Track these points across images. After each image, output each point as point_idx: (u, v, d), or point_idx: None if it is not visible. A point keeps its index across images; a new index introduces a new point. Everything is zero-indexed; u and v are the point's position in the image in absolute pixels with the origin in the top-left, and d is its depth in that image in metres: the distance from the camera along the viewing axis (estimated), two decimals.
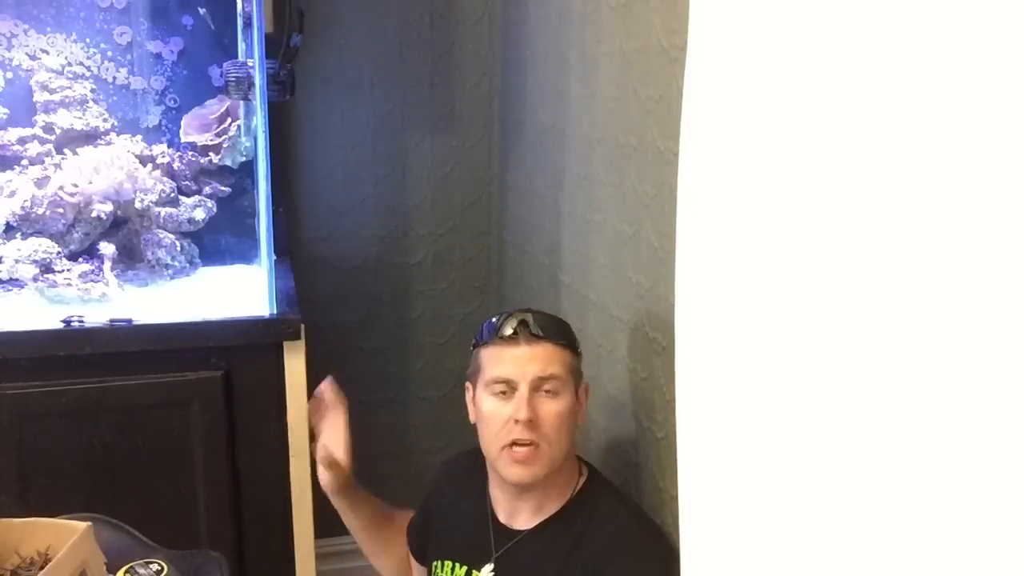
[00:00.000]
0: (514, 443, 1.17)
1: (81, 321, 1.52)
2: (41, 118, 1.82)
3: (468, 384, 1.28)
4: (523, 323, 1.20)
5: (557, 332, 1.22)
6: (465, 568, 1.26)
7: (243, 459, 1.61)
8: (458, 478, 1.37)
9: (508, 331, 1.20)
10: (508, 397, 1.18)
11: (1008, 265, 0.40)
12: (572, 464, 1.25)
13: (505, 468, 1.18)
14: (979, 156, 0.41)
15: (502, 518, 1.26)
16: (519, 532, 1.24)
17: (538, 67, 1.86)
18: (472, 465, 1.35)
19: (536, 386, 1.17)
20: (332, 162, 2.17)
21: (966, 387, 0.42)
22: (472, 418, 1.27)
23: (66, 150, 1.82)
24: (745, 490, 0.61)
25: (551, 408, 1.17)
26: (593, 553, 1.16)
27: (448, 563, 1.28)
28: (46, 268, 1.69)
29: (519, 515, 1.24)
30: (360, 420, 2.33)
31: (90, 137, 1.86)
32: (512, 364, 1.18)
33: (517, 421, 1.16)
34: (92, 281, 1.69)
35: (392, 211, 2.24)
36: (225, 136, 1.90)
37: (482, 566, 1.24)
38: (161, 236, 1.83)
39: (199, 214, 1.89)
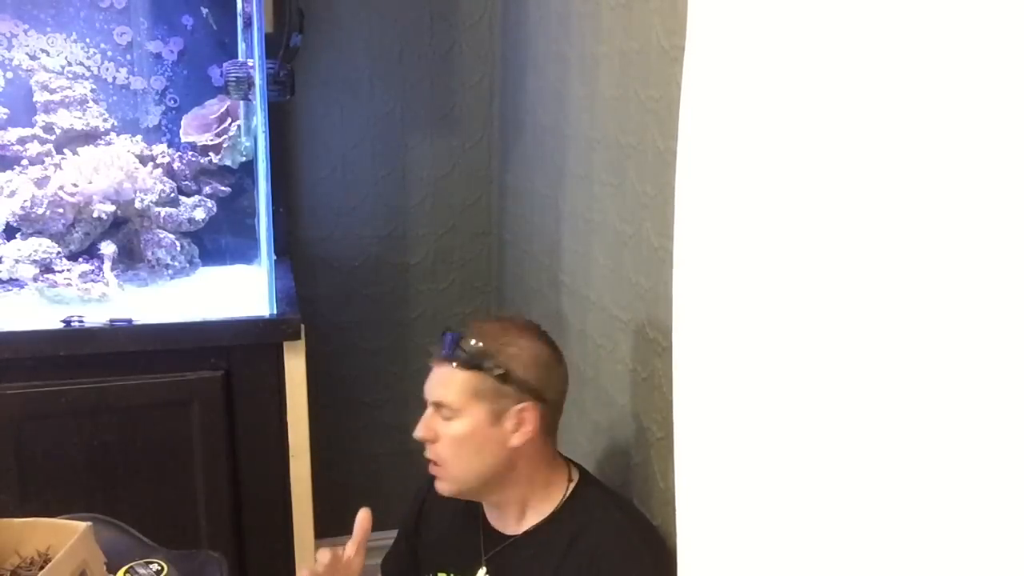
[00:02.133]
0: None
1: (81, 321, 1.52)
2: (41, 118, 1.82)
3: None
4: (441, 342, 1.21)
5: (463, 354, 1.18)
6: None
7: (243, 459, 1.61)
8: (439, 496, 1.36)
9: (435, 349, 1.23)
10: None
11: (1008, 265, 0.40)
12: (553, 472, 1.23)
13: None
14: (979, 156, 0.41)
15: (495, 524, 1.26)
16: (510, 537, 1.24)
17: (538, 67, 1.86)
18: None
19: (436, 408, 1.20)
20: (332, 162, 2.17)
21: (964, 387, 0.42)
22: None
23: (66, 150, 1.82)
24: (742, 490, 0.61)
25: (444, 431, 1.19)
26: (588, 553, 1.16)
27: (442, 574, 1.28)
28: (46, 268, 1.69)
29: (506, 521, 1.25)
30: (360, 420, 2.35)
31: (90, 137, 1.86)
32: (428, 382, 1.22)
33: (415, 437, 1.21)
34: (92, 281, 1.69)
35: (392, 211, 2.24)
36: (225, 136, 1.90)
37: (475, 572, 1.24)
38: (161, 236, 1.83)
39: (199, 214, 1.89)
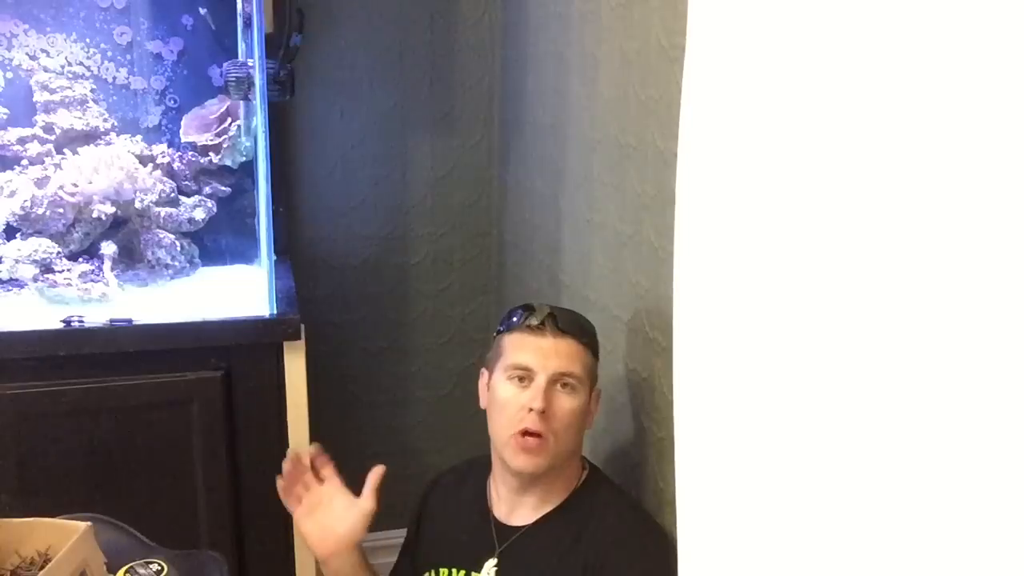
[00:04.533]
0: (524, 432, 1.17)
1: (81, 321, 1.52)
2: (41, 118, 1.82)
3: (484, 370, 1.28)
4: (551, 316, 1.21)
5: (583, 331, 1.23)
6: (463, 572, 1.26)
7: (243, 459, 1.61)
8: (448, 491, 1.37)
9: (536, 321, 1.20)
10: (525, 385, 1.18)
11: (1008, 265, 0.40)
12: (577, 463, 1.26)
13: (512, 456, 1.18)
14: (979, 156, 0.41)
15: (501, 516, 1.26)
16: (519, 528, 1.24)
17: (538, 67, 1.86)
18: (462, 475, 1.36)
19: (554, 380, 1.17)
20: (332, 162, 2.17)
21: (965, 387, 0.42)
22: (483, 403, 1.27)
23: (66, 150, 1.82)
24: (742, 490, 0.62)
25: (565, 404, 1.17)
26: (593, 547, 1.17)
27: (444, 570, 1.28)
28: (46, 268, 1.69)
29: (519, 511, 1.24)
30: (360, 420, 2.35)
31: (90, 137, 1.86)
32: (535, 353, 1.18)
33: (531, 410, 1.16)
34: (92, 281, 1.69)
35: (392, 211, 2.24)
36: (225, 136, 1.90)
37: (481, 565, 1.24)
38: (161, 236, 1.83)
39: (199, 214, 1.89)
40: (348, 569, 1.30)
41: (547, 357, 1.18)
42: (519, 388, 1.18)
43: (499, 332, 1.27)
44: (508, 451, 1.19)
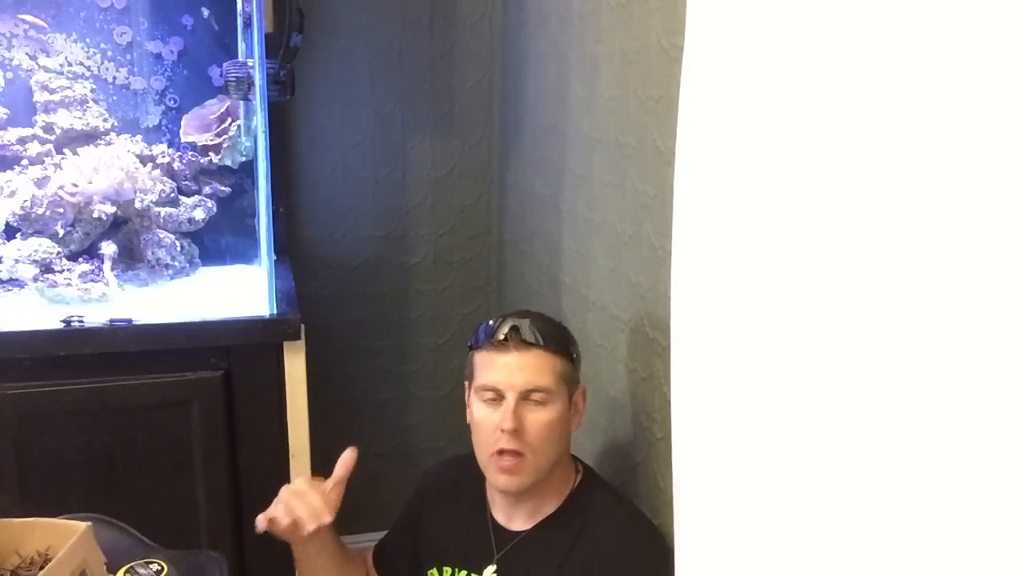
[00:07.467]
0: (501, 451, 1.16)
1: (81, 321, 1.52)
2: (41, 118, 1.82)
3: (466, 383, 1.28)
4: (514, 329, 1.18)
5: (550, 339, 1.20)
6: (465, 572, 1.26)
7: (243, 459, 1.61)
8: (449, 485, 1.36)
9: (500, 336, 1.18)
10: (497, 404, 1.17)
11: (1006, 265, 0.40)
12: (568, 465, 1.25)
13: (493, 475, 1.19)
14: (977, 156, 0.41)
15: (500, 520, 1.26)
16: (518, 533, 1.24)
17: (538, 67, 1.86)
18: (463, 470, 1.34)
19: (524, 396, 1.16)
20: (332, 162, 2.17)
21: (963, 387, 0.42)
22: (468, 418, 1.27)
23: (66, 150, 1.82)
24: (740, 489, 0.61)
25: (538, 418, 1.16)
26: (590, 552, 1.16)
27: (447, 569, 1.28)
28: (46, 268, 1.69)
29: (516, 517, 1.24)
30: (360, 420, 2.35)
31: (90, 137, 1.86)
32: (501, 372, 1.17)
33: (503, 430, 1.15)
34: (92, 281, 1.69)
35: (392, 211, 2.24)
36: (225, 136, 1.90)
37: (483, 568, 1.24)
38: (161, 236, 1.83)
39: (199, 214, 1.89)
40: (322, 544, 1.29)
41: (513, 374, 1.16)
42: (491, 408, 1.17)
43: (470, 348, 1.25)
44: (489, 472, 1.19)
